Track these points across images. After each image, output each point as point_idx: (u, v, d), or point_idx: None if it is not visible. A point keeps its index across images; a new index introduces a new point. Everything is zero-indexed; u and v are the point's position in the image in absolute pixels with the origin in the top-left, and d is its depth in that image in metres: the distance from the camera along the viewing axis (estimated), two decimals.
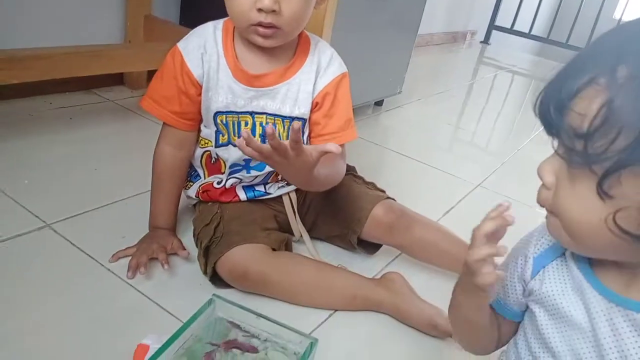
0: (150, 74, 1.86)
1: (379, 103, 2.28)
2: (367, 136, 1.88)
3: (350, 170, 1.22)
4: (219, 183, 1.07)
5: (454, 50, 4.34)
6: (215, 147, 1.02)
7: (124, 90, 1.85)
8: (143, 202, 1.07)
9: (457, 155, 2.08)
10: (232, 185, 1.07)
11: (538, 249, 0.58)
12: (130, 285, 0.94)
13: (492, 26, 4.77)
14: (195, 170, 1.09)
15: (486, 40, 4.83)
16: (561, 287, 0.54)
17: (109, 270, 0.97)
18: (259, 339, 0.68)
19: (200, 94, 0.97)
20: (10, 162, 1.26)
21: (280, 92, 0.97)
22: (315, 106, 1.00)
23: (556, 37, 4.49)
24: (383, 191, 1.16)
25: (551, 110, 0.46)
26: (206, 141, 1.04)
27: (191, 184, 1.10)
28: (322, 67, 1.00)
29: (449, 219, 1.37)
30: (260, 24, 0.86)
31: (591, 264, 0.53)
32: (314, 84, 0.99)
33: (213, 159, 1.05)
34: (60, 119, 1.56)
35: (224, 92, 0.96)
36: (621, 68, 0.42)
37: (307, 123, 1.01)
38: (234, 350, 0.66)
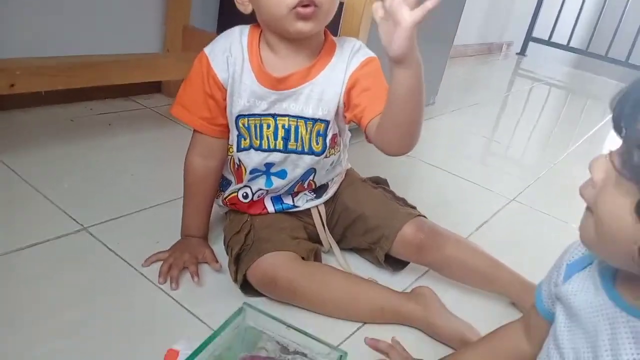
0: None
1: None
2: None
3: (382, 183, 1.21)
4: (245, 197, 1.07)
5: (489, 62, 4.28)
6: (237, 151, 1.03)
7: (162, 98, 1.90)
8: (177, 208, 1.09)
9: (491, 168, 2.05)
10: (259, 197, 1.07)
11: (572, 257, 0.61)
12: (162, 290, 0.96)
13: (529, 38, 4.69)
14: (226, 179, 1.11)
15: (522, 52, 4.76)
16: (581, 288, 0.57)
17: (141, 274, 0.99)
18: (288, 349, 0.68)
19: (225, 98, 0.98)
20: (51, 166, 1.30)
21: (304, 93, 0.96)
22: (347, 102, 0.97)
23: (595, 49, 4.39)
24: (414, 207, 1.14)
25: (628, 107, 0.45)
26: (230, 146, 1.05)
27: (222, 193, 1.12)
28: (350, 62, 0.96)
29: (482, 234, 1.35)
30: (300, 3, 0.85)
31: (615, 272, 0.54)
32: (343, 83, 0.96)
33: (236, 165, 1.06)
34: (100, 125, 1.60)
35: (247, 95, 0.96)
36: None
37: (330, 125, 1.00)
38: None
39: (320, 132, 1.00)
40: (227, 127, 1.02)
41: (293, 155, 1.02)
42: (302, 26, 0.88)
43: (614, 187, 0.46)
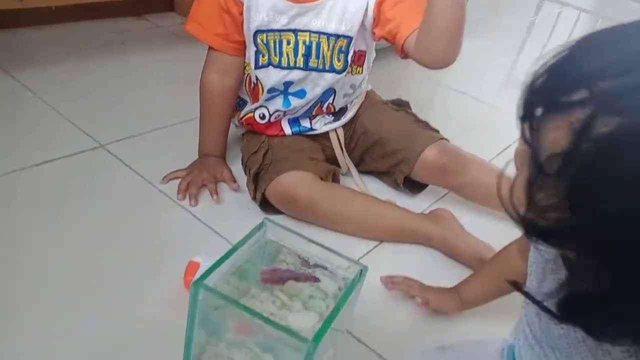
0: None
1: None
2: (420, 71, 1.80)
3: (404, 106, 1.17)
4: (262, 117, 1.05)
5: None
6: (255, 68, 0.99)
7: (174, 16, 1.84)
8: (194, 128, 1.08)
9: (514, 93, 1.98)
10: (277, 118, 1.05)
11: None
12: (181, 206, 0.96)
13: None
14: (242, 99, 1.08)
15: None
16: None
17: (160, 191, 0.99)
18: (308, 262, 0.68)
19: (242, 13, 0.93)
20: (66, 84, 1.29)
21: (326, 8, 0.92)
22: (377, 16, 0.92)
23: None
24: (437, 131, 1.11)
25: (539, 106, 0.38)
26: (246, 64, 1.01)
27: (238, 112, 1.09)
28: None
29: (504, 158, 1.32)
30: None
31: None
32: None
33: (252, 84, 1.03)
34: (113, 44, 1.56)
35: (265, 9, 0.92)
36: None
37: (352, 41, 0.96)
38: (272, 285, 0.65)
39: (343, 49, 0.96)
40: (243, 44, 0.98)
41: (314, 74, 0.98)
42: None
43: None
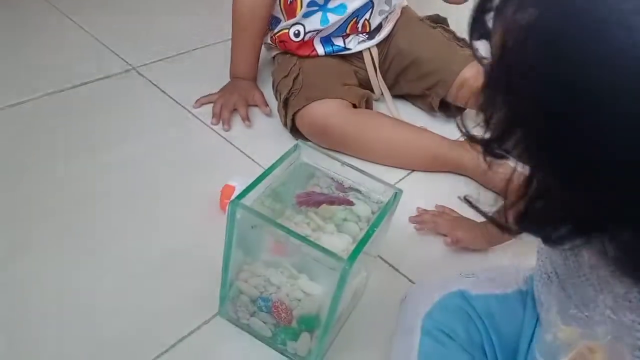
0: None
1: None
2: None
3: (441, 22, 1.12)
4: (296, 35, 1.01)
5: None
6: None
7: None
8: (223, 50, 1.06)
9: None
10: (310, 37, 1.02)
11: None
12: (214, 130, 0.96)
13: None
14: (275, 17, 1.05)
15: None
16: None
17: (193, 115, 0.99)
18: (343, 185, 0.68)
19: None
20: (95, 6, 1.26)
21: None
22: None
23: None
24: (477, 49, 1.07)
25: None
26: None
27: (271, 30, 1.06)
28: None
29: None
30: None
31: None
32: None
33: (289, 0, 0.99)
34: None
35: None
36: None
37: None
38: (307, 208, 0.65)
39: None
40: None
41: None
42: None
43: None
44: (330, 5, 0.97)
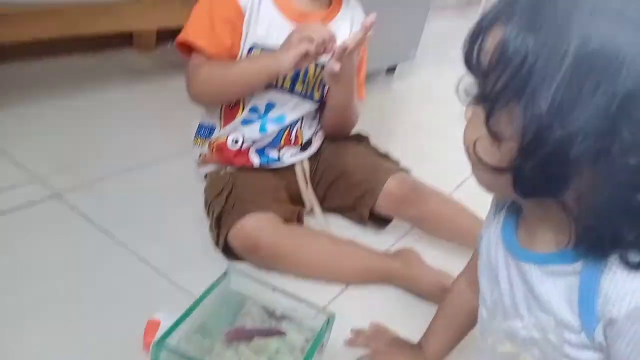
0: (161, 34, 1.82)
1: (391, 69, 2.22)
2: (379, 104, 1.83)
3: (364, 140, 1.19)
4: (235, 142, 1.04)
5: (470, 16, 4.21)
6: None
7: (133, 53, 1.81)
8: (156, 172, 1.05)
9: None
10: (247, 147, 1.05)
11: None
12: (140, 258, 0.93)
13: None
14: (207, 127, 1.07)
15: None
16: (489, 236, 0.59)
17: (118, 242, 0.96)
18: (275, 314, 0.67)
19: (242, 25, 0.96)
20: (20, 127, 1.24)
21: None
22: None
23: None
24: (397, 162, 1.14)
25: (472, 51, 0.47)
26: None
27: (204, 140, 1.08)
28: (355, 21, 1.01)
29: (461, 192, 1.35)
30: None
31: (517, 219, 0.56)
32: (349, 35, 0.98)
33: (231, 104, 1.03)
34: (69, 82, 1.52)
35: (265, 24, 0.95)
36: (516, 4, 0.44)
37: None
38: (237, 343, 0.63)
39: (323, 81, 1.01)
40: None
41: (296, 99, 1.02)
42: None
43: (472, 118, 0.50)
44: (270, 115, 1.02)
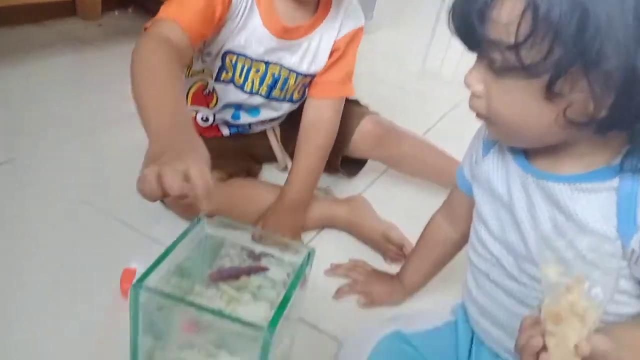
0: (106, 1, 1.74)
1: None
2: None
3: None
4: (204, 120, 1.01)
5: None
6: (215, 80, 0.94)
7: (77, 21, 1.73)
8: (110, 136, 1.01)
9: (432, 79, 2.05)
10: (216, 124, 1.02)
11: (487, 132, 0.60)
12: (108, 213, 0.90)
13: None
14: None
15: None
16: (494, 165, 0.59)
17: (84, 202, 0.92)
18: (254, 252, 0.65)
19: (221, 18, 0.82)
20: None
21: (302, 47, 0.92)
22: (330, 57, 0.96)
23: None
24: (367, 107, 1.13)
25: (472, 23, 0.45)
26: (200, 71, 0.94)
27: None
28: (343, 20, 0.94)
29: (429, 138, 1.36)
30: None
31: (523, 150, 0.56)
32: (335, 39, 0.94)
33: (207, 91, 0.97)
34: (12, 54, 1.44)
35: (246, 35, 0.87)
36: None
37: (315, 77, 0.98)
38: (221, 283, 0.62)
39: (305, 84, 0.98)
40: (203, 37, 0.81)
41: (273, 102, 0.98)
42: None
43: (502, 91, 0.48)
44: (245, 108, 0.99)
